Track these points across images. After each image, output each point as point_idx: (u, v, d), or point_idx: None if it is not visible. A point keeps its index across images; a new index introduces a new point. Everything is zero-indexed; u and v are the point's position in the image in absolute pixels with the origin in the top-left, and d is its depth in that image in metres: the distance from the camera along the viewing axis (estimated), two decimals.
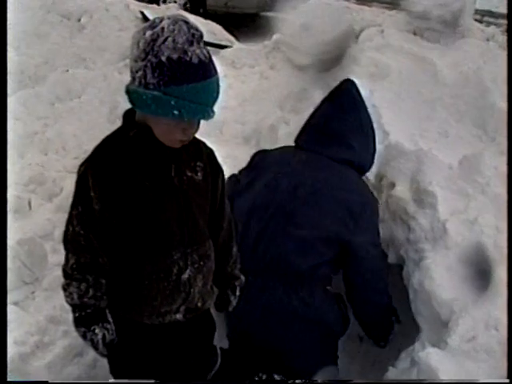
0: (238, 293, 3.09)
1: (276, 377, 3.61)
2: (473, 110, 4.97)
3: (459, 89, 5.17)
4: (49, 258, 4.12)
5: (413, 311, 3.76)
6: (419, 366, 3.27)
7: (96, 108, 5.84)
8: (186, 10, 11.10)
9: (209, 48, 2.40)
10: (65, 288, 2.62)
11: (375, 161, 4.16)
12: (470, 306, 3.37)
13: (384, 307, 3.91)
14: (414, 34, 6.51)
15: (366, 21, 10.36)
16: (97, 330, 2.63)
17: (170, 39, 2.26)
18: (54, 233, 4.27)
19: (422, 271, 3.68)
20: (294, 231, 3.60)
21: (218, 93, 2.39)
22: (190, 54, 2.27)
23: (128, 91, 2.39)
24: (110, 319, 2.69)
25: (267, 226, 3.63)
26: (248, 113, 4.73)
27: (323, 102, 4.04)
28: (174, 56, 2.26)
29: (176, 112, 2.31)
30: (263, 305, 3.56)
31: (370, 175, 4.36)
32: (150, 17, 8.38)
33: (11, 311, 3.62)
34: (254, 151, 4.23)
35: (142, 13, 8.51)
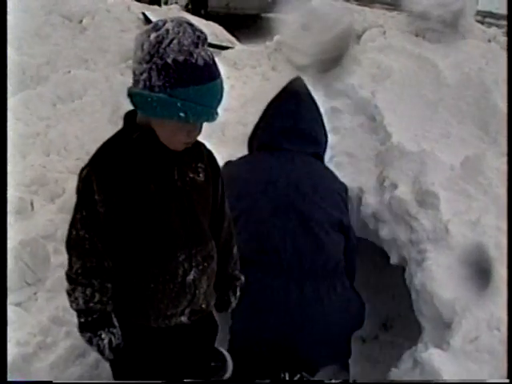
0: (238, 293, 3.08)
1: (305, 374, 3.60)
2: (475, 111, 4.97)
3: (461, 90, 5.17)
4: (51, 259, 4.11)
5: (415, 312, 3.76)
6: (422, 367, 3.28)
7: (98, 109, 5.84)
8: (187, 11, 11.10)
9: (211, 49, 2.40)
10: (70, 293, 2.59)
11: (378, 162, 4.19)
12: (472, 307, 3.37)
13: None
14: (416, 35, 6.51)
15: (367, 22, 10.35)
16: (103, 335, 2.62)
17: (175, 41, 2.26)
18: (56, 234, 4.26)
19: (425, 272, 3.68)
20: (311, 228, 3.63)
21: (222, 95, 2.38)
22: (195, 56, 2.27)
23: (131, 94, 2.38)
24: (116, 323, 2.67)
25: (287, 227, 3.63)
26: (250, 114, 4.73)
27: (280, 100, 4.11)
28: (180, 58, 2.25)
29: (182, 114, 2.30)
30: (295, 303, 3.51)
31: (373, 176, 4.36)
32: (152, 18, 8.39)
33: (14, 312, 3.62)
34: None
35: (144, 14, 8.52)
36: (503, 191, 3.96)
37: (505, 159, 4.31)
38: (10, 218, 4.08)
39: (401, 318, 4.30)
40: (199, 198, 2.68)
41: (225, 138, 5.12)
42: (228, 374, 3.22)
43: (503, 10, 15.65)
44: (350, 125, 4.90)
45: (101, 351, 2.64)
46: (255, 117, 4.29)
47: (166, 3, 12.00)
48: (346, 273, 3.74)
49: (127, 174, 2.49)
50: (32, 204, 4.48)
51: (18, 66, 6.19)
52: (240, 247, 3.16)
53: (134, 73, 2.35)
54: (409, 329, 4.00)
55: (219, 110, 2.40)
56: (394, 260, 4.11)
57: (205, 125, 2.47)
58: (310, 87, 4.40)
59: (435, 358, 3.25)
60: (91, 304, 2.58)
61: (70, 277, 2.58)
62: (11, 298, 3.66)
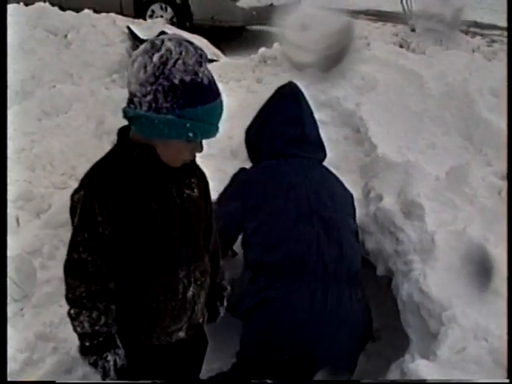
0: (225, 304, 3.09)
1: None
2: (459, 122, 4.99)
3: (445, 100, 5.19)
4: (37, 275, 4.10)
5: (402, 323, 3.76)
6: (409, 378, 3.28)
7: (83, 123, 5.82)
8: (172, 24, 11.11)
9: None
10: (74, 317, 2.53)
11: (363, 174, 4.21)
12: (459, 317, 3.37)
13: None
14: (401, 46, 6.56)
15: None
16: (109, 357, 2.59)
17: (180, 61, 2.26)
18: (42, 249, 4.25)
19: (411, 283, 3.68)
20: (335, 235, 3.64)
21: (222, 111, 2.41)
22: (200, 75, 2.29)
23: (130, 116, 2.37)
24: (120, 344, 2.64)
25: (311, 233, 3.62)
26: (235, 127, 4.73)
27: (283, 106, 4.08)
28: (187, 78, 2.26)
29: (191, 134, 2.32)
30: (319, 309, 3.49)
31: (358, 188, 4.37)
32: (137, 32, 8.41)
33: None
34: (242, 165, 4.23)
35: (129, 28, 8.53)
36: (489, 201, 3.97)
37: (490, 169, 4.34)
38: None
39: (388, 329, 4.29)
40: (196, 214, 2.70)
41: (211, 150, 5.12)
42: None
43: (487, 19, 15.77)
44: (334, 136, 4.90)
45: (106, 373, 2.61)
46: (241, 129, 4.29)
47: (150, 17, 12.01)
48: None
49: (128, 193, 2.47)
50: (17, 219, 4.46)
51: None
52: (263, 253, 3.25)
53: (135, 94, 2.32)
54: (396, 340, 3.99)
55: None
56: (380, 271, 4.11)
57: None
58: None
59: (422, 369, 3.24)
60: (97, 327, 2.54)
61: (74, 301, 2.53)
62: None
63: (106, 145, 5.20)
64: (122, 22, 8.81)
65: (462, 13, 7.01)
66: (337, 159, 4.68)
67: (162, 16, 11.96)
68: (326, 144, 4.18)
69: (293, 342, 3.46)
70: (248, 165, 4.22)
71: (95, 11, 9.00)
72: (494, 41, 14.10)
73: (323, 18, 5.57)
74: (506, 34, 14.77)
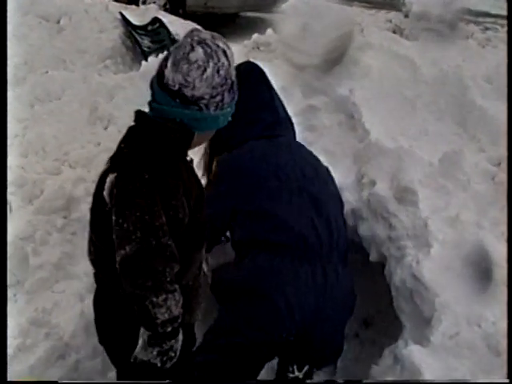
0: None
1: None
2: (453, 108, 4.97)
3: (439, 87, 5.17)
4: (30, 261, 4.10)
5: (395, 309, 3.76)
6: (402, 364, 3.29)
7: (76, 110, 5.80)
8: (165, 10, 11.04)
9: None
10: (161, 304, 2.49)
11: (356, 160, 4.20)
12: (452, 303, 3.39)
13: None
14: (394, 32, 6.52)
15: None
16: (179, 338, 2.64)
17: (231, 59, 2.57)
18: (34, 235, 4.25)
19: (404, 269, 3.69)
20: (324, 211, 3.61)
21: None
22: None
23: (189, 118, 2.55)
24: None
25: (303, 211, 3.59)
26: None
27: (253, 90, 3.93)
28: (234, 74, 2.62)
29: (230, 119, 2.66)
30: (321, 287, 3.44)
31: (351, 174, 4.37)
32: (130, 18, 8.38)
33: None
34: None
35: (122, 14, 8.50)
36: (482, 187, 3.97)
37: (483, 155, 4.33)
38: None
39: (381, 315, 4.30)
40: None
41: None
42: None
43: (481, 6, 15.77)
44: (328, 123, 4.88)
45: (172, 357, 2.63)
46: None
47: (143, 3, 11.93)
48: None
49: (185, 175, 2.64)
50: (10, 205, 4.45)
51: None
52: (267, 232, 3.39)
53: (202, 97, 2.51)
54: (389, 326, 4.00)
55: None
56: (373, 257, 4.11)
57: None
58: (288, 84, 4.43)
59: (415, 355, 3.26)
60: (180, 309, 2.57)
61: (158, 287, 2.50)
62: None
63: (99, 130, 5.20)
64: (115, 7, 8.78)
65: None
66: (330, 145, 4.66)
67: (154, 2, 11.88)
68: (319, 130, 4.17)
69: (297, 321, 3.38)
70: None
71: None
72: (487, 28, 14.11)
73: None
74: (498, 21, 14.84)
